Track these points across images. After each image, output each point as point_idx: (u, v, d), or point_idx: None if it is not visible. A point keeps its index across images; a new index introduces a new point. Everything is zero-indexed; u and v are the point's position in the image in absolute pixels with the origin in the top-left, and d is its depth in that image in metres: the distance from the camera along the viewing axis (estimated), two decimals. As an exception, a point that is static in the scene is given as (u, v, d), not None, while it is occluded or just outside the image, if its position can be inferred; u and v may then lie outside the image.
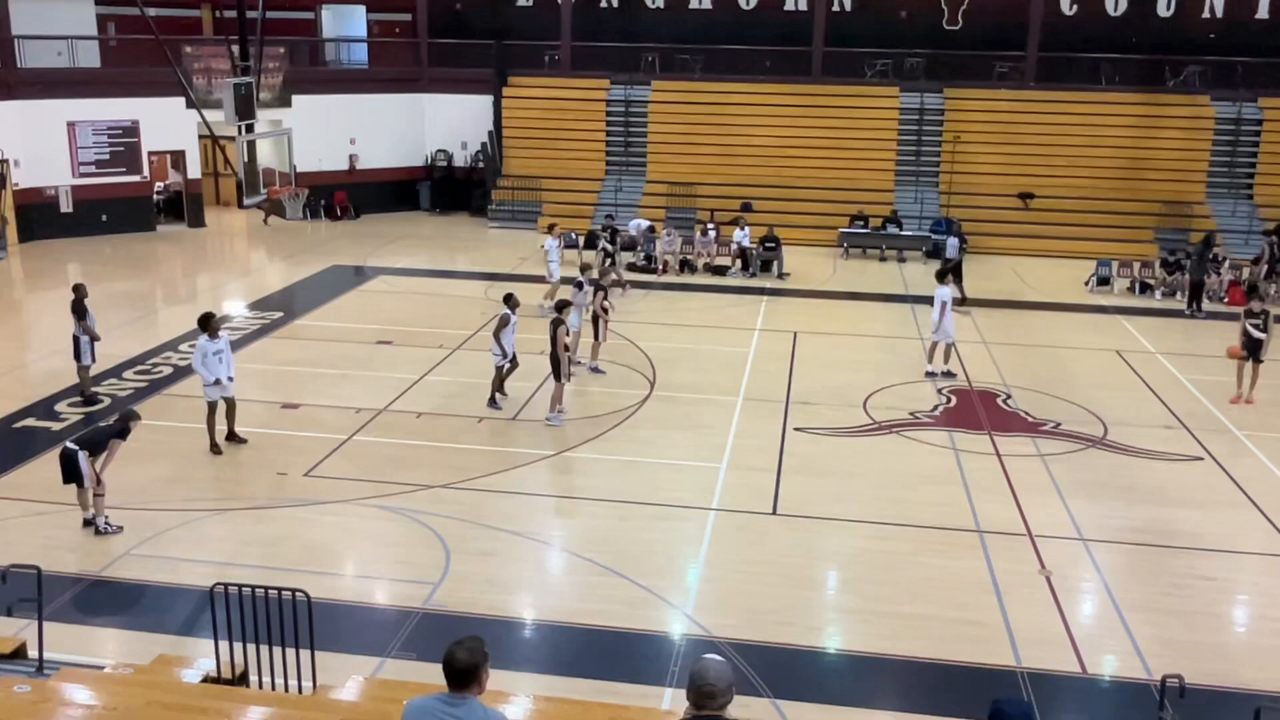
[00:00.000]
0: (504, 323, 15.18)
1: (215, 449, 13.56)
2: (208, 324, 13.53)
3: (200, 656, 8.10)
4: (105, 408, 15.15)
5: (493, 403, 15.43)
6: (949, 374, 17.35)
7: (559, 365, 14.80)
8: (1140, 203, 28.61)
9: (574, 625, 9.82)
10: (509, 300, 15.44)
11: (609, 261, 22.73)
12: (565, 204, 30.19)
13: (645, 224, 26.49)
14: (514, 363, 15.48)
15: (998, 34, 31.84)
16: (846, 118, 30.85)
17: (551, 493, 13.04)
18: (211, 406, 13.53)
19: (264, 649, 7.54)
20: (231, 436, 13.74)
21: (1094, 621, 10.19)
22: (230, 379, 13.61)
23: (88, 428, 12.93)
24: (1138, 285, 24.23)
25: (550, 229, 21.33)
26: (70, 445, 11.31)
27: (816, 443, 14.52)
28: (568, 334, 14.94)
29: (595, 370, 17.27)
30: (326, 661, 8.07)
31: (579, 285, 17.16)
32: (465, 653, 4.77)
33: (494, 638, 9.32)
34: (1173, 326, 21.37)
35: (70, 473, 11.24)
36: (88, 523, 11.41)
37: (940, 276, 17.99)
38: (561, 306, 15.14)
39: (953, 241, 24.01)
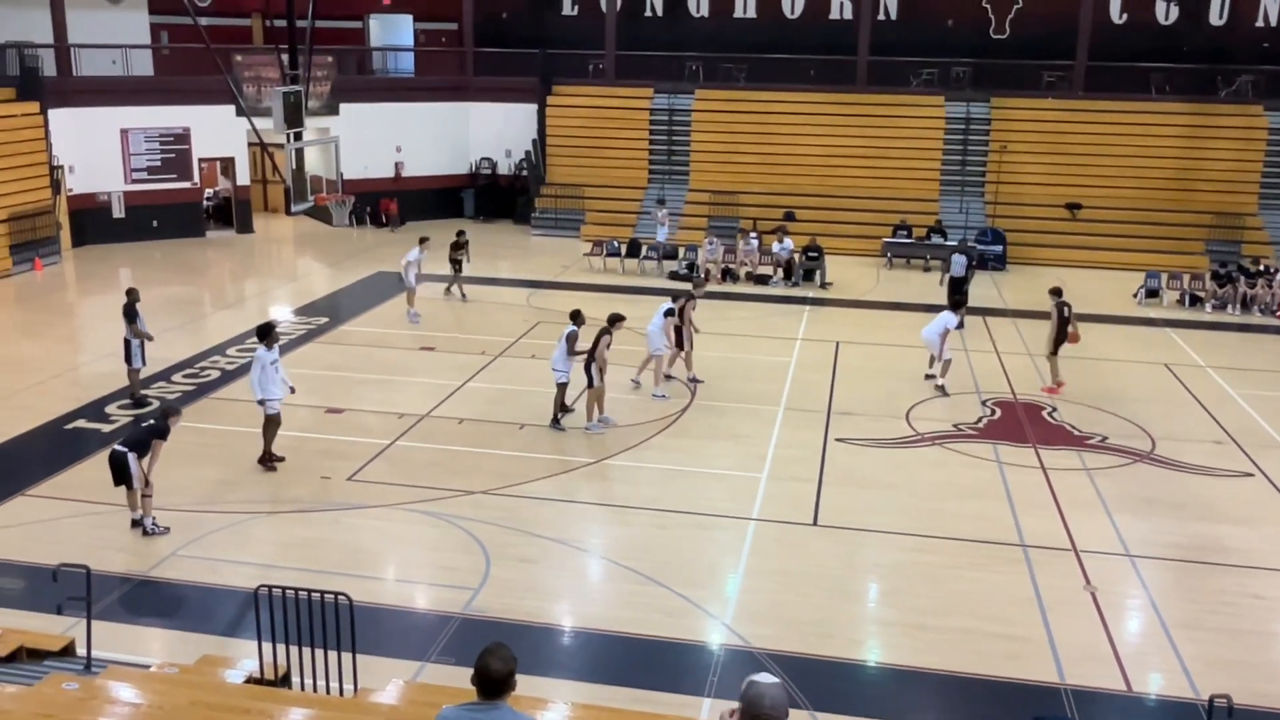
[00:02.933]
0: (573, 339, 14.88)
1: (271, 462, 13.35)
2: (268, 334, 13.31)
3: (243, 657, 8.22)
4: (153, 410, 15.35)
5: (556, 423, 15.05)
6: (932, 376, 17.34)
7: (593, 372, 14.82)
8: (1190, 214, 28.14)
9: (612, 634, 9.83)
10: (576, 317, 15.13)
11: (456, 270, 22.59)
12: (608, 212, 30.31)
13: (664, 213, 27.41)
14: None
15: (1045, 43, 31.52)
16: (891, 127, 30.62)
17: (592, 500, 13.04)
18: (275, 420, 13.30)
19: (306, 651, 7.61)
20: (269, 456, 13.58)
21: (1140, 639, 10.04)
22: (292, 390, 13.52)
23: (132, 428, 13.11)
24: (1187, 298, 23.88)
25: (421, 241, 21.16)
26: (119, 448, 11.50)
27: (858, 454, 14.44)
28: (609, 345, 14.86)
29: (687, 381, 17.00)
30: (367, 664, 8.13)
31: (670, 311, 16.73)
32: (499, 661, 4.77)
33: (532, 644, 9.41)
34: (1224, 340, 21.01)
35: (120, 474, 11.44)
36: (135, 523, 11.59)
37: (955, 306, 17.91)
38: (614, 320, 15.07)
39: (959, 259, 22.51)
